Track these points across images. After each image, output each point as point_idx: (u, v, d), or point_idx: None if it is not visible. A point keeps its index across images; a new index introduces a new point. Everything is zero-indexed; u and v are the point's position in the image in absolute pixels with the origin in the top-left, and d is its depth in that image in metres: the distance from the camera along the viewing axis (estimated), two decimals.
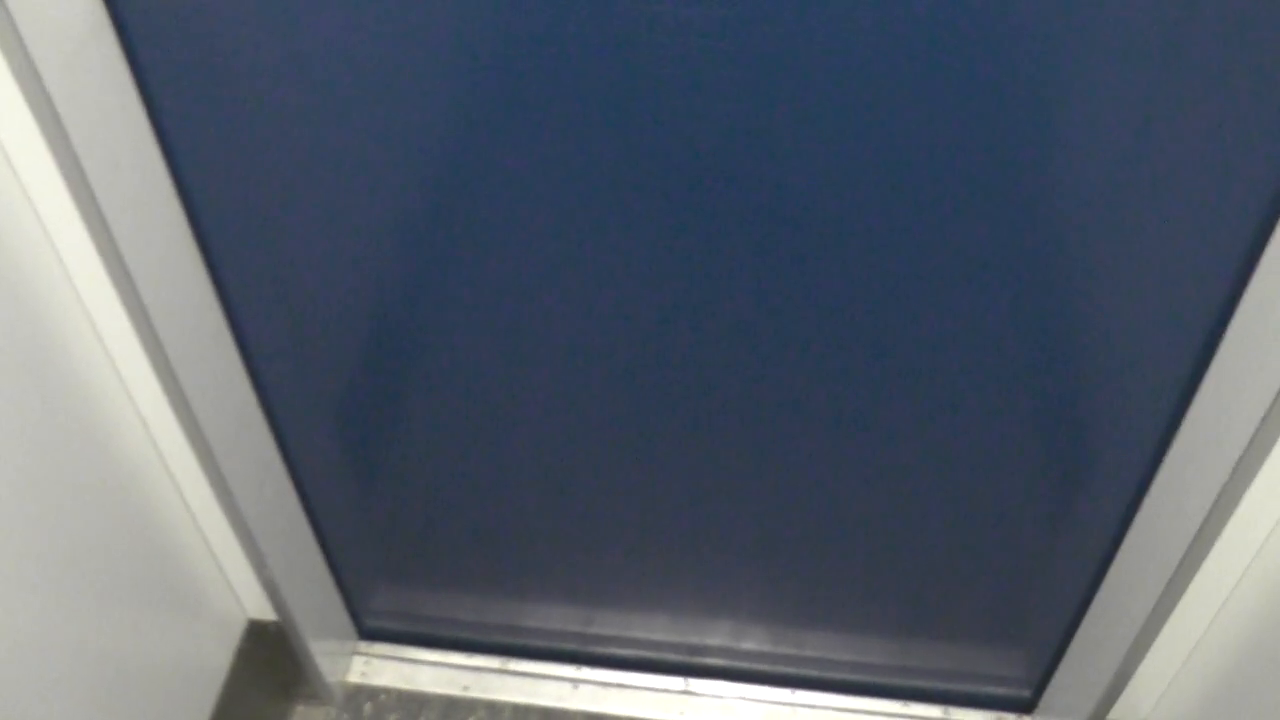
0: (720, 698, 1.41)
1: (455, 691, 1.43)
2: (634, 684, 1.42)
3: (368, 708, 1.41)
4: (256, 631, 1.28)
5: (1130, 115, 0.78)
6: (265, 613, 1.26)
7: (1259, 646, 0.95)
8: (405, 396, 1.11)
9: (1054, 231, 0.86)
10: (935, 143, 0.81)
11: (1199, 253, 0.85)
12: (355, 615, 1.44)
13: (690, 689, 1.42)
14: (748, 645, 1.38)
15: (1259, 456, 0.85)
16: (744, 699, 1.40)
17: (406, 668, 1.45)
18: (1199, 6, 0.71)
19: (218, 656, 1.23)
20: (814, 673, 1.39)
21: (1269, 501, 0.89)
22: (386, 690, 1.43)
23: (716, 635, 1.37)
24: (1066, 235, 0.86)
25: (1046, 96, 0.78)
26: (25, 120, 0.78)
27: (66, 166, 0.80)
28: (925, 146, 0.82)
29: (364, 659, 1.46)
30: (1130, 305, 0.89)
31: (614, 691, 1.42)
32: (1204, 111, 0.76)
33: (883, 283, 0.92)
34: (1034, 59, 0.76)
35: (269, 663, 1.30)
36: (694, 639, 1.38)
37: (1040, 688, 1.33)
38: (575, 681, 1.43)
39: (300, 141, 0.89)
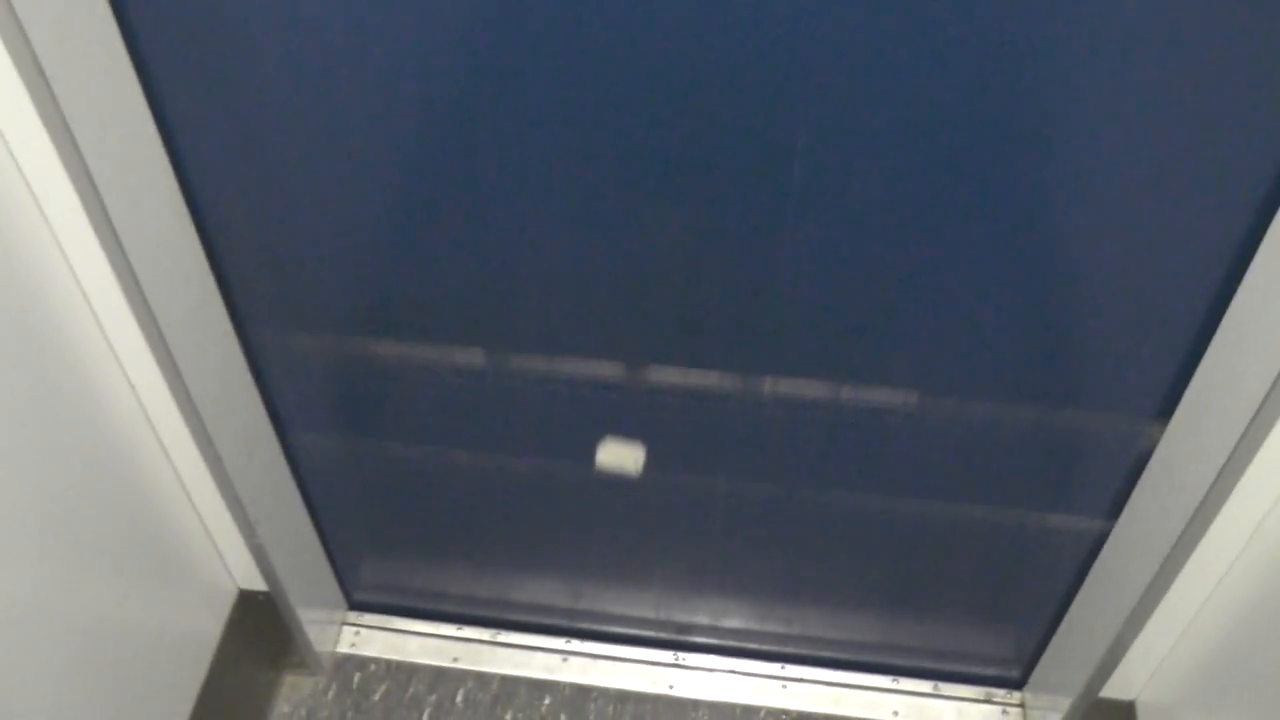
0: (710, 671, 1.41)
1: (444, 662, 1.42)
2: (623, 656, 1.43)
3: (357, 678, 1.41)
4: (246, 601, 1.27)
5: (1123, 109, 0.77)
6: (255, 583, 1.25)
7: (1252, 627, 0.96)
8: (397, 367, 1.10)
9: (1050, 216, 0.85)
10: (931, 135, 0.81)
11: (1197, 232, 0.84)
12: (345, 586, 1.44)
13: (680, 662, 1.42)
14: (738, 619, 1.38)
15: (1258, 436, 0.85)
16: (733, 672, 1.41)
17: (396, 638, 1.45)
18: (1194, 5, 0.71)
19: (208, 626, 1.23)
20: (804, 649, 1.39)
21: (1267, 481, 0.89)
22: (376, 660, 1.43)
23: (706, 609, 1.37)
24: (1063, 220, 0.85)
25: (1040, 91, 0.77)
26: (20, 97, 0.76)
27: (58, 136, 0.79)
28: (922, 138, 0.81)
29: (353, 629, 1.46)
30: (1134, 278, 0.89)
31: (603, 664, 1.42)
32: (1197, 107, 0.76)
33: (880, 270, 0.91)
34: (1029, 53, 0.75)
35: (259, 633, 1.30)
36: (684, 613, 1.38)
37: (1030, 665, 1.34)
38: (564, 654, 1.43)
39: (295, 111, 0.87)
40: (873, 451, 1.10)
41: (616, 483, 1.19)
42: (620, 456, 1.14)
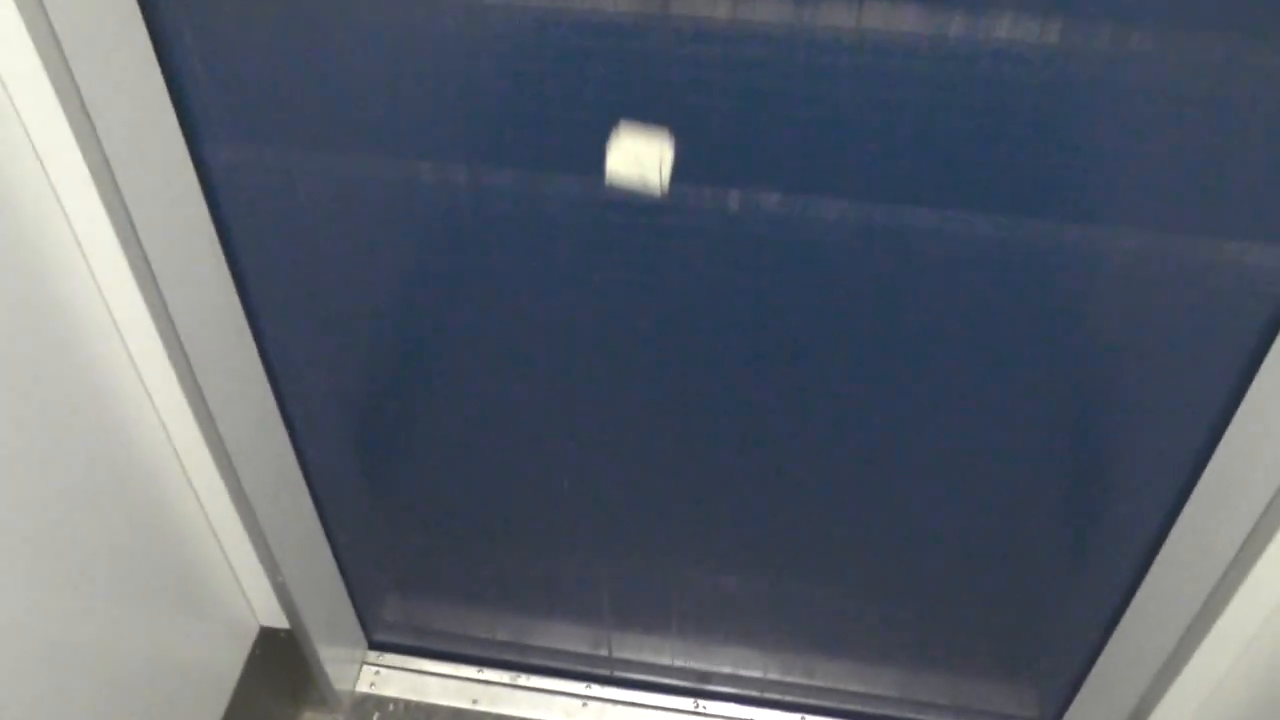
0: (730, 719, 1.40)
1: (464, 704, 1.42)
2: (643, 702, 1.42)
3: (376, 717, 1.41)
4: (268, 638, 1.28)
5: (1162, 160, 0.77)
6: (277, 620, 1.25)
7: (1278, 694, 0.94)
8: (422, 411, 1.11)
9: (1090, 248, 0.85)
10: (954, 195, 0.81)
11: (1228, 298, 0.84)
12: (366, 625, 1.44)
13: (700, 709, 1.41)
14: (759, 670, 1.37)
15: None
16: None
17: (416, 679, 1.45)
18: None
19: (229, 662, 1.23)
20: (826, 701, 1.38)
21: None
22: (395, 700, 1.42)
23: (728, 658, 1.36)
24: (1103, 253, 0.85)
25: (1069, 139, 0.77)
26: (57, 117, 0.78)
27: (98, 172, 0.80)
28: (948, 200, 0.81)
29: (373, 669, 1.45)
30: (1163, 339, 0.88)
31: (622, 709, 1.41)
32: (1226, 181, 0.76)
33: (907, 312, 0.91)
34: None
35: (279, 669, 1.30)
36: (705, 661, 1.37)
37: None
38: (584, 698, 1.42)
39: (330, 153, 0.89)
40: (899, 497, 1.09)
41: (640, 533, 1.19)
42: (638, 158, 0.78)
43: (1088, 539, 1.08)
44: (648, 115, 0.79)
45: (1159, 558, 1.05)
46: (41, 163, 0.80)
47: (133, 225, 0.83)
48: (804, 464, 1.08)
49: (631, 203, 0.84)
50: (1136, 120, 0.75)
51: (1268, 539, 0.88)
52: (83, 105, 0.77)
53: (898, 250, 0.86)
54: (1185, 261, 0.83)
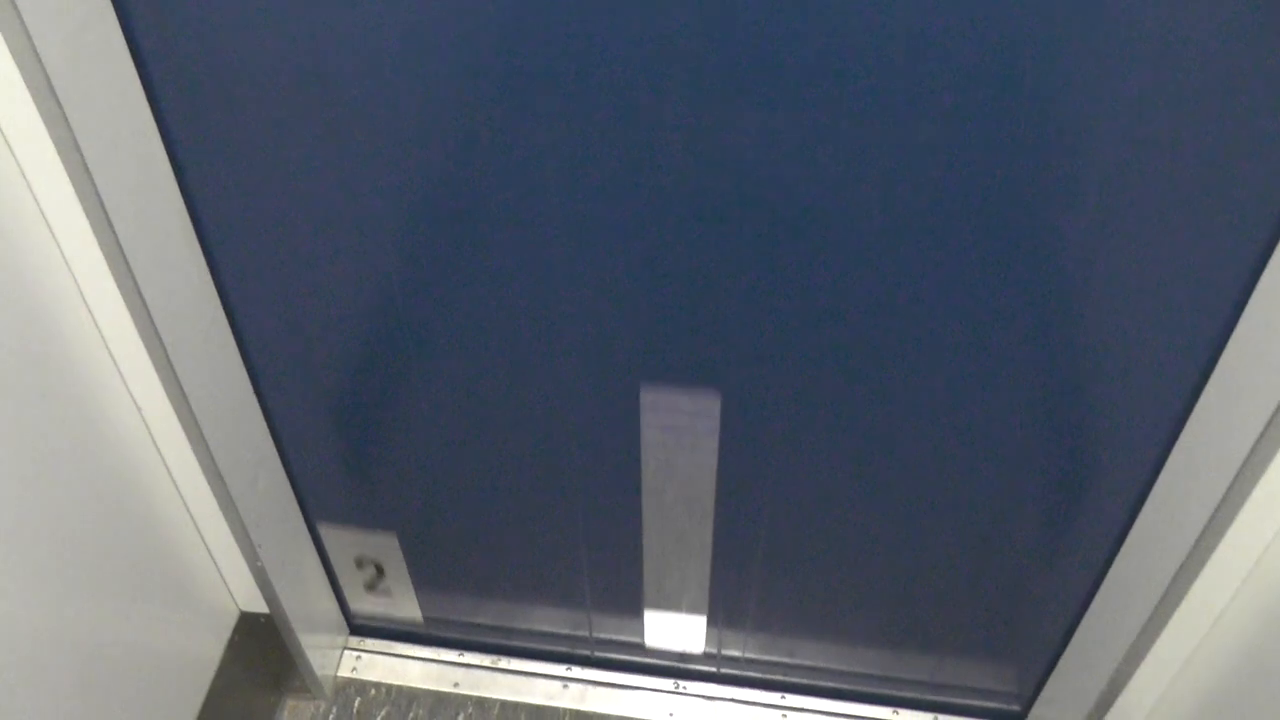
0: (710, 699, 1.41)
1: (445, 688, 1.42)
2: (624, 684, 1.42)
3: (357, 702, 1.41)
4: (248, 624, 1.28)
5: (1137, 119, 0.77)
6: (257, 605, 1.25)
7: (1251, 663, 0.95)
8: (401, 394, 1.11)
9: (1059, 235, 0.86)
10: (943, 145, 0.81)
11: (1203, 258, 0.84)
12: (346, 610, 1.44)
13: (681, 690, 1.42)
14: (739, 649, 1.37)
15: (1259, 467, 0.85)
16: (734, 701, 1.40)
17: (397, 663, 1.45)
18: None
19: (209, 648, 1.23)
20: (805, 679, 1.39)
21: (1268, 513, 0.89)
22: (376, 685, 1.43)
23: (706, 638, 1.37)
24: (1072, 240, 0.86)
25: (1055, 101, 0.78)
26: (28, 110, 0.77)
27: (70, 160, 0.80)
28: (933, 149, 0.82)
29: (355, 654, 1.46)
30: (1136, 308, 0.89)
31: (603, 691, 1.42)
32: (1212, 116, 0.76)
33: (889, 286, 0.92)
34: (1046, 68, 0.76)
35: (260, 655, 1.30)
36: (685, 642, 1.38)
37: (1031, 699, 1.33)
38: (565, 680, 1.43)
39: (301, 133, 0.88)
40: (876, 479, 1.10)
41: (623, 513, 1.19)
42: None
43: (1062, 519, 1.09)
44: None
45: (1129, 538, 1.06)
46: (5, 139, 0.80)
47: (102, 204, 0.83)
48: (780, 449, 1.08)
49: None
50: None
51: (1232, 516, 0.89)
52: (50, 87, 0.77)
53: (889, 228, 0.87)
54: (1158, 232, 0.83)
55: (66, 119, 0.78)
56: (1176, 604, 0.98)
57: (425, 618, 1.44)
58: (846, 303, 0.93)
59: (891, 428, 1.04)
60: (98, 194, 0.82)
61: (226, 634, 1.26)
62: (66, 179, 0.81)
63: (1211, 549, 0.92)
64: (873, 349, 0.97)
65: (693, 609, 1.33)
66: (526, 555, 1.30)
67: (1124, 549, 1.07)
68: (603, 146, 0.85)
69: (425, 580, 1.38)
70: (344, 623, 1.45)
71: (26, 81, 0.76)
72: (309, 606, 1.32)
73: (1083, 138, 0.79)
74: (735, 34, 0.76)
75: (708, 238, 0.90)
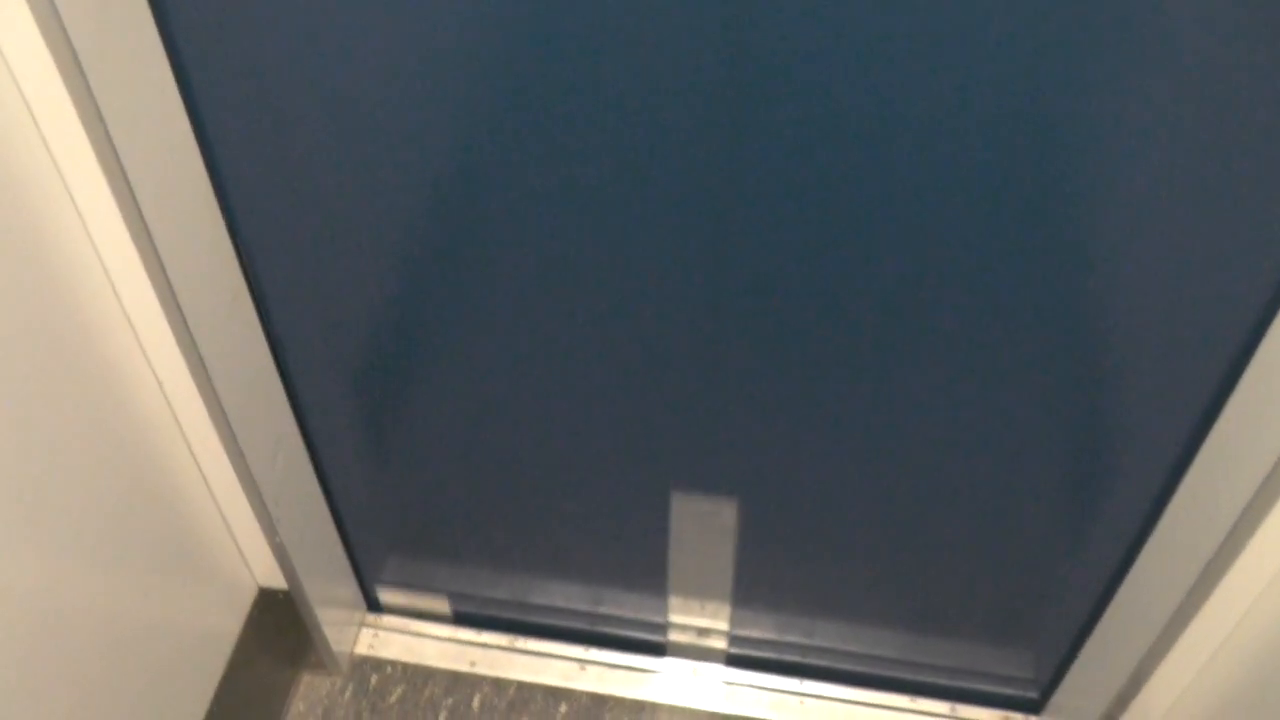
0: (728, 684, 1.40)
1: (462, 667, 1.42)
2: (641, 666, 1.42)
3: (374, 679, 1.41)
4: (266, 599, 1.28)
5: (1167, 117, 0.76)
6: (275, 581, 1.25)
7: (1277, 662, 0.94)
8: (422, 369, 1.10)
9: (1084, 233, 0.84)
10: (960, 147, 0.80)
11: (1231, 263, 0.83)
12: (365, 587, 1.44)
13: (698, 674, 1.41)
14: (756, 633, 1.37)
15: None
16: (751, 686, 1.40)
17: (414, 641, 1.45)
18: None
19: (227, 623, 1.23)
20: (822, 663, 1.39)
21: None
22: (393, 663, 1.43)
23: (724, 622, 1.36)
24: (1097, 239, 0.84)
25: (1080, 101, 0.76)
26: (55, 85, 0.77)
27: (91, 126, 0.79)
28: (950, 150, 0.81)
29: (372, 631, 1.46)
30: (1167, 301, 0.88)
31: (621, 673, 1.42)
32: (1242, 115, 0.75)
33: (907, 281, 0.91)
34: (1067, 75, 0.74)
35: (277, 631, 1.30)
36: (702, 625, 1.38)
37: (1050, 689, 1.32)
38: (582, 662, 1.43)
39: (328, 111, 0.88)
40: (897, 465, 1.09)
41: (641, 494, 1.19)
42: None
43: (1088, 512, 1.08)
44: None
45: (1156, 532, 1.05)
46: (33, 115, 0.79)
47: (128, 182, 0.83)
48: (799, 432, 1.07)
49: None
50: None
51: (1265, 511, 0.88)
52: (75, 58, 0.76)
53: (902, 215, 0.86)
54: (1190, 230, 0.82)
55: (91, 92, 0.78)
56: (1204, 598, 0.97)
57: (444, 594, 1.44)
58: (868, 293, 0.92)
59: (913, 409, 1.03)
60: (121, 167, 0.82)
61: (245, 609, 1.26)
62: (91, 153, 0.81)
63: (1241, 546, 0.91)
64: (893, 335, 0.96)
65: (714, 595, 1.32)
66: (548, 536, 1.30)
67: (1150, 542, 1.06)
68: (617, 142, 0.84)
69: (445, 557, 1.38)
70: (362, 599, 1.46)
71: (52, 53, 0.75)
72: (327, 583, 1.33)
73: (1112, 139, 0.78)
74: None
75: (716, 232, 0.89)
